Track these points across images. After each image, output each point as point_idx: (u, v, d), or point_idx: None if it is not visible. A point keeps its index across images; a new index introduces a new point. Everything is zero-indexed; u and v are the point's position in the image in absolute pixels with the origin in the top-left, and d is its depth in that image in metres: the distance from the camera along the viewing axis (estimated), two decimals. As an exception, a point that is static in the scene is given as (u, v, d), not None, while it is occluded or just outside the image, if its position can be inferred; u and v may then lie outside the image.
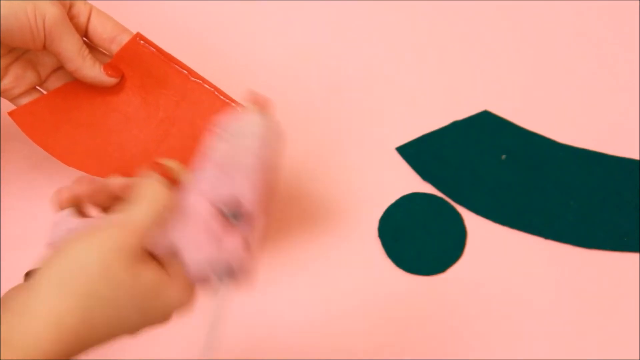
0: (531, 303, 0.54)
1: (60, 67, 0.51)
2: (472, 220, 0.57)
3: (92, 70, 0.48)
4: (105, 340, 0.38)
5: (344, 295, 0.55)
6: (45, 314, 0.36)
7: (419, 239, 0.56)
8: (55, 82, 0.51)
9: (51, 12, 0.46)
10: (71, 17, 0.48)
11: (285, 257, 0.56)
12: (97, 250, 0.37)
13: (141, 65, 0.50)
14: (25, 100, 0.50)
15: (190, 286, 0.40)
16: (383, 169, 0.59)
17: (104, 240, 0.38)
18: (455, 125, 0.60)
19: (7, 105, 0.51)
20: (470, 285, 0.55)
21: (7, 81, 0.49)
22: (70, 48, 0.47)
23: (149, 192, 0.39)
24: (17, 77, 0.49)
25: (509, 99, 0.61)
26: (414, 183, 0.58)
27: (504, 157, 0.59)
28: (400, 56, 0.63)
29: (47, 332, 0.36)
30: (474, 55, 0.63)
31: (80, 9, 0.48)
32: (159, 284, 0.39)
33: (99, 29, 0.49)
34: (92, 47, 0.50)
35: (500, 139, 0.59)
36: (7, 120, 0.52)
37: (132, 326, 0.39)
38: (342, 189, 0.58)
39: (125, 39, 0.49)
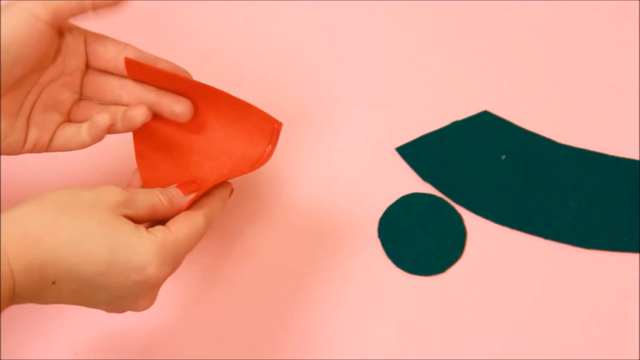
0: (531, 303, 0.54)
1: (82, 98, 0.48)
2: (472, 221, 0.57)
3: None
4: (69, 274, 0.39)
5: (344, 296, 0.55)
6: (12, 216, 0.38)
7: (418, 239, 0.56)
8: (81, 111, 0.48)
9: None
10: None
11: (285, 256, 0.56)
12: (90, 189, 0.40)
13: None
14: (60, 141, 0.47)
15: (161, 261, 0.40)
16: (383, 169, 0.59)
17: (101, 188, 0.41)
18: (455, 125, 0.60)
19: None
20: (470, 285, 0.55)
21: (33, 135, 0.46)
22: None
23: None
24: (40, 125, 0.46)
25: (509, 99, 0.61)
26: (413, 183, 0.58)
27: (504, 157, 0.59)
28: (399, 56, 0.63)
29: (10, 232, 0.37)
30: (474, 55, 0.63)
31: (76, 35, 0.46)
32: (134, 236, 0.40)
33: (100, 50, 0.46)
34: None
35: (500, 139, 0.59)
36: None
37: (95, 269, 0.39)
38: (342, 189, 0.58)
39: (130, 52, 0.46)
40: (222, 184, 0.47)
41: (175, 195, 0.44)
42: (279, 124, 0.47)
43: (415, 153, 0.59)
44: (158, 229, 0.41)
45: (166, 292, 0.54)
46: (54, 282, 0.39)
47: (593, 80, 0.61)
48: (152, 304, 0.43)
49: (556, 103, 0.61)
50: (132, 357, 0.53)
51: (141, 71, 0.46)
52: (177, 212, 0.44)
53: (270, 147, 0.47)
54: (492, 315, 0.54)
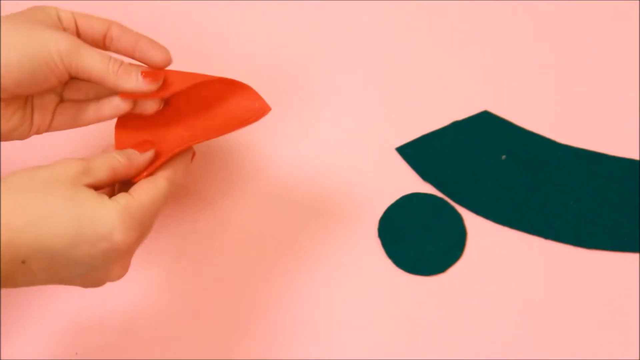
0: (531, 303, 0.54)
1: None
2: (472, 220, 0.57)
3: (129, 82, 0.45)
4: (38, 251, 0.39)
5: (344, 295, 0.55)
6: None
7: (419, 239, 0.56)
8: (74, 91, 0.49)
9: (63, 42, 0.43)
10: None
11: (285, 256, 0.56)
12: (47, 166, 0.41)
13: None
14: (60, 121, 0.48)
15: (127, 226, 0.40)
16: (383, 169, 0.58)
17: (57, 163, 0.41)
18: (455, 125, 0.60)
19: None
20: (470, 285, 0.55)
21: (36, 118, 0.47)
22: (97, 67, 0.44)
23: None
24: (40, 107, 0.47)
25: (509, 99, 0.61)
26: (414, 183, 0.58)
27: (504, 157, 0.59)
28: (400, 56, 0.63)
29: None
30: (474, 55, 0.63)
31: (67, 17, 0.46)
32: (97, 206, 0.40)
33: (89, 31, 0.46)
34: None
35: (500, 139, 0.59)
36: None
37: (62, 243, 0.39)
38: (342, 189, 0.58)
39: (115, 31, 0.46)
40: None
41: (132, 154, 0.45)
42: (267, 109, 0.48)
43: (415, 153, 0.59)
44: (121, 195, 0.42)
45: (163, 284, 0.54)
46: (23, 262, 0.39)
47: (593, 80, 0.61)
48: (125, 271, 0.43)
49: (556, 103, 0.61)
50: (132, 357, 0.53)
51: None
52: (138, 170, 0.45)
53: (254, 116, 0.48)
54: (492, 315, 0.54)
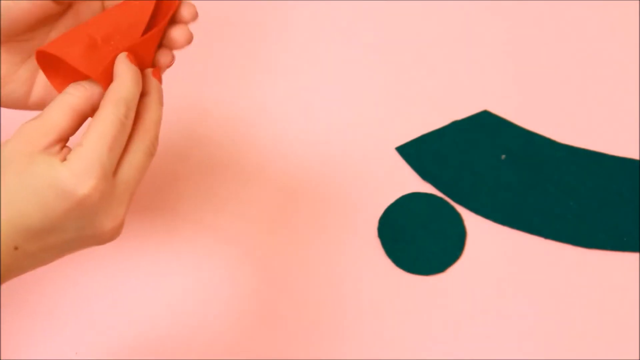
0: (531, 303, 0.54)
1: None
2: (472, 220, 0.57)
3: None
4: (21, 233, 0.38)
5: (344, 295, 0.55)
6: None
7: (418, 239, 0.56)
8: None
9: None
10: None
11: (284, 257, 0.56)
12: (8, 141, 0.38)
13: None
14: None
15: (77, 174, 0.38)
16: (383, 169, 0.59)
17: (14, 135, 0.38)
18: (455, 125, 0.60)
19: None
20: (470, 285, 0.55)
21: (39, 90, 0.44)
22: None
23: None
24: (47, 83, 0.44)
25: (509, 99, 0.61)
26: (413, 183, 0.58)
27: (504, 157, 0.59)
28: (400, 56, 0.63)
29: None
30: (474, 55, 0.63)
31: None
32: (50, 173, 0.37)
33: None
34: None
35: (500, 139, 0.59)
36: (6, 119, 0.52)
37: (34, 220, 0.38)
38: (342, 189, 0.58)
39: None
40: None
41: (86, 83, 0.40)
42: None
43: (415, 153, 0.59)
44: (72, 151, 0.39)
45: (166, 290, 0.55)
46: (16, 248, 0.38)
47: (593, 80, 0.61)
48: (117, 221, 0.40)
49: (556, 103, 0.61)
50: (131, 357, 0.53)
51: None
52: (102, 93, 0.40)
53: None
54: (491, 315, 0.54)
